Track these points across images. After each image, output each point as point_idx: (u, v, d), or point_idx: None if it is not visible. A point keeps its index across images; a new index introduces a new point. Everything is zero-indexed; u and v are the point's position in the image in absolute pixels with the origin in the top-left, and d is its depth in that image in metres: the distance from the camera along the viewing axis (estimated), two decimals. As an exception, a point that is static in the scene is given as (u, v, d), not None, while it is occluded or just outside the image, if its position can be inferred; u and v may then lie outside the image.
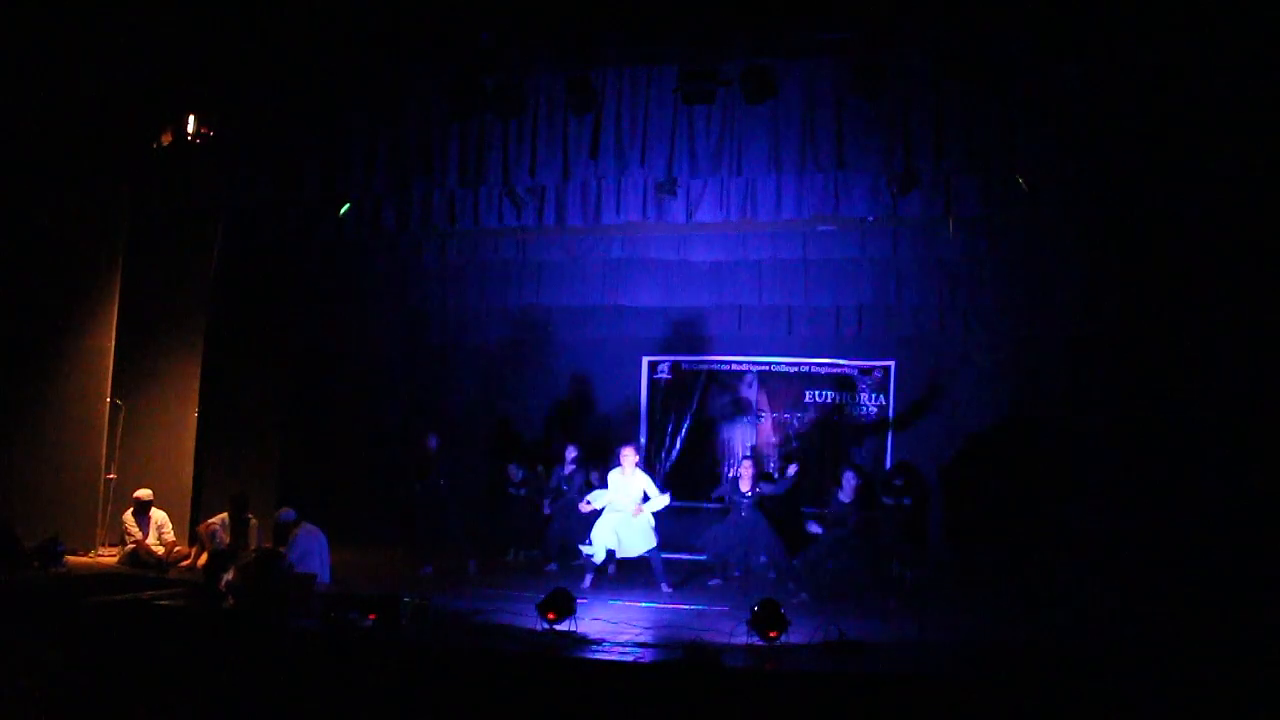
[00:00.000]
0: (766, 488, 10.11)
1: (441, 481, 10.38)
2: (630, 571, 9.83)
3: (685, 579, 9.73)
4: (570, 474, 10.87)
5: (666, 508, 9.60)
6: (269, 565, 7.48)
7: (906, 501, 10.04)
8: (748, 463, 10.14)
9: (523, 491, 11.23)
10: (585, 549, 9.40)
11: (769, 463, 12.15)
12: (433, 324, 13.41)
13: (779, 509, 10.45)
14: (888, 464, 11.40)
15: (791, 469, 10.28)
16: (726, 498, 10.01)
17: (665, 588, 9.19)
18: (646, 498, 9.38)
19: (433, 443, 10.58)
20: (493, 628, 7.19)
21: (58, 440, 9.65)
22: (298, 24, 8.37)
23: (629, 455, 9.55)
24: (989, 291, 10.98)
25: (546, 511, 10.77)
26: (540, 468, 11.29)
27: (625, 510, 9.26)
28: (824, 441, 12.61)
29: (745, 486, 9.89)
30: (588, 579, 9.21)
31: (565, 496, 10.58)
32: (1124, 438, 9.39)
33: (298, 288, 11.48)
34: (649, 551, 9.24)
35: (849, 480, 9.27)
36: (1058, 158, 7.85)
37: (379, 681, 6.26)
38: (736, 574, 9.84)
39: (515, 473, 11.29)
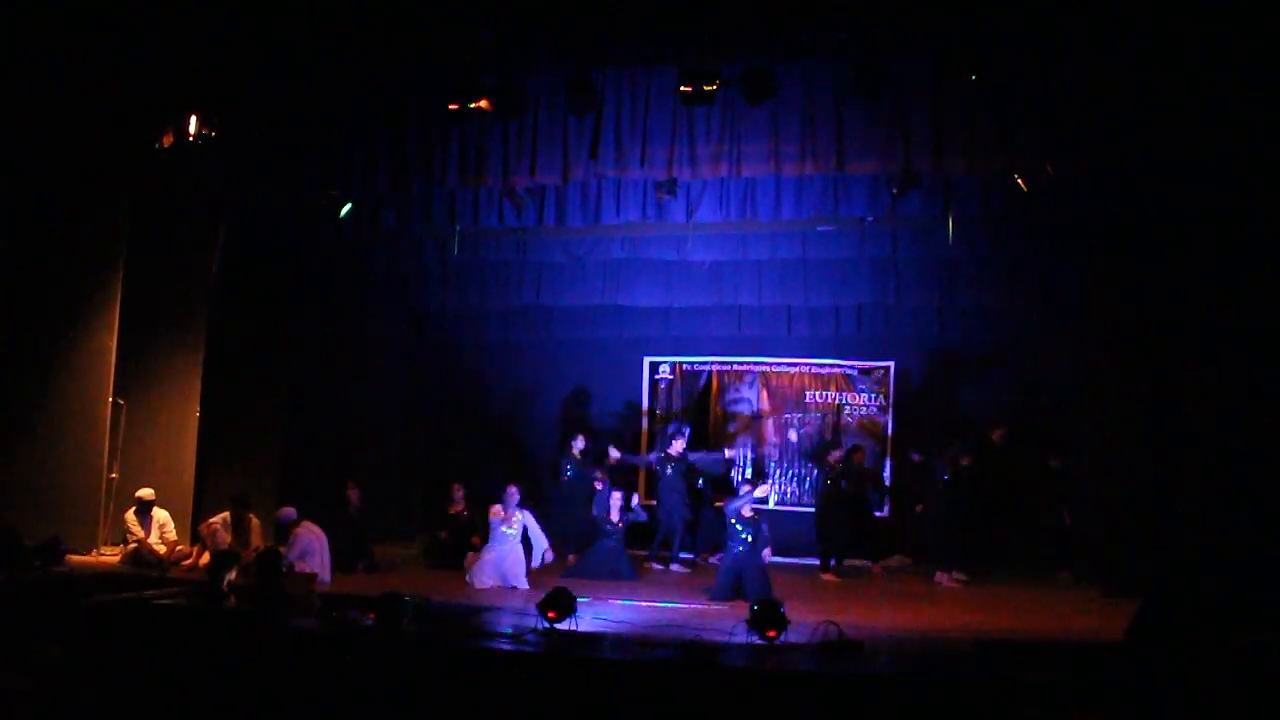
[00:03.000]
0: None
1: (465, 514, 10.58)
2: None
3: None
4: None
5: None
6: (270, 565, 7.49)
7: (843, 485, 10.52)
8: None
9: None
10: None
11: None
12: (433, 324, 13.42)
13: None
14: (886, 465, 11.42)
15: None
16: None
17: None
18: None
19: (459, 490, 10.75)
20: (493, 627, 7.20)
21: (60, 440, 9.65)
22: (299, 25, 8.37)
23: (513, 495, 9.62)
24: (989, 291, 10.98)
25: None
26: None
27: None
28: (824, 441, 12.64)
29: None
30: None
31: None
32: (1124, 438, 9.38)
33: (298, 288, 11.50)
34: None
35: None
36: (1058, 158, 7.84)
37: (379, 681, 6.28)
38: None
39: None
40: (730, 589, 8.60)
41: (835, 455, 10.95)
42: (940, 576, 10.08)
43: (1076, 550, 10.66)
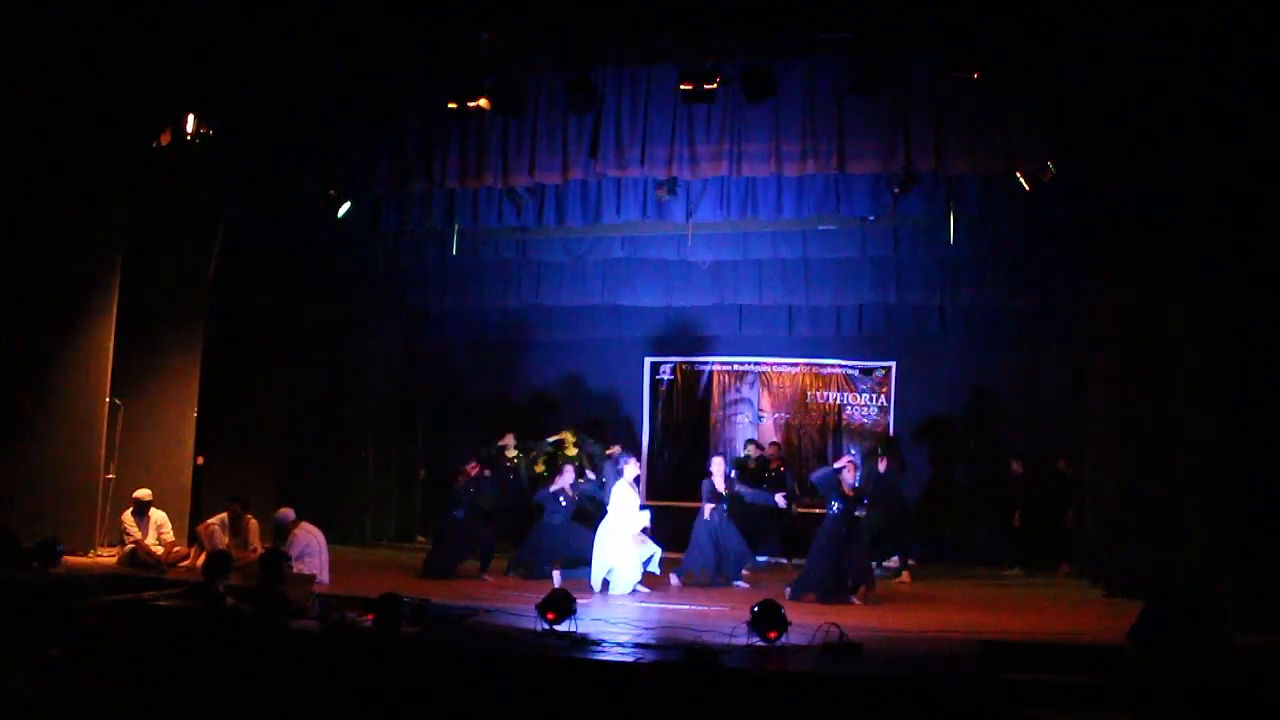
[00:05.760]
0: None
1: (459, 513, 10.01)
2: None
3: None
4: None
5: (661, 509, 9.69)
6: (274, 566, 7.45)
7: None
8: (719, 460, 10.02)
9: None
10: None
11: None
12: (433, 324, 13.41)
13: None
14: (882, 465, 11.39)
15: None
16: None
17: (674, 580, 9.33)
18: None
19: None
20: (492, 628, 7.18)
21: (57, 440, 9.61)
22: (298, 23, 8.35)
23: (633, 466, 9.41)
24: (989, 291, 10.98)
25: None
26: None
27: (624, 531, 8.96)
28: (824, 441, 12.66)
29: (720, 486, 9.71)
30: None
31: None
32: (1124, 438, 9.38)
33: (297, 288, 11.49)
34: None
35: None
36: (1058, 158, 7.83)
37: (379, 681, 6.26)
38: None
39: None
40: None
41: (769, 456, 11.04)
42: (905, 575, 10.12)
43: (1077, 550, 10.65)
